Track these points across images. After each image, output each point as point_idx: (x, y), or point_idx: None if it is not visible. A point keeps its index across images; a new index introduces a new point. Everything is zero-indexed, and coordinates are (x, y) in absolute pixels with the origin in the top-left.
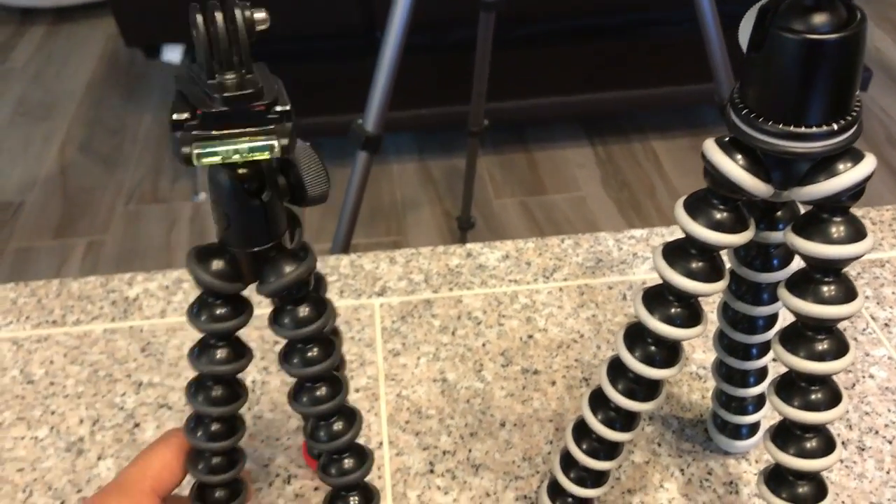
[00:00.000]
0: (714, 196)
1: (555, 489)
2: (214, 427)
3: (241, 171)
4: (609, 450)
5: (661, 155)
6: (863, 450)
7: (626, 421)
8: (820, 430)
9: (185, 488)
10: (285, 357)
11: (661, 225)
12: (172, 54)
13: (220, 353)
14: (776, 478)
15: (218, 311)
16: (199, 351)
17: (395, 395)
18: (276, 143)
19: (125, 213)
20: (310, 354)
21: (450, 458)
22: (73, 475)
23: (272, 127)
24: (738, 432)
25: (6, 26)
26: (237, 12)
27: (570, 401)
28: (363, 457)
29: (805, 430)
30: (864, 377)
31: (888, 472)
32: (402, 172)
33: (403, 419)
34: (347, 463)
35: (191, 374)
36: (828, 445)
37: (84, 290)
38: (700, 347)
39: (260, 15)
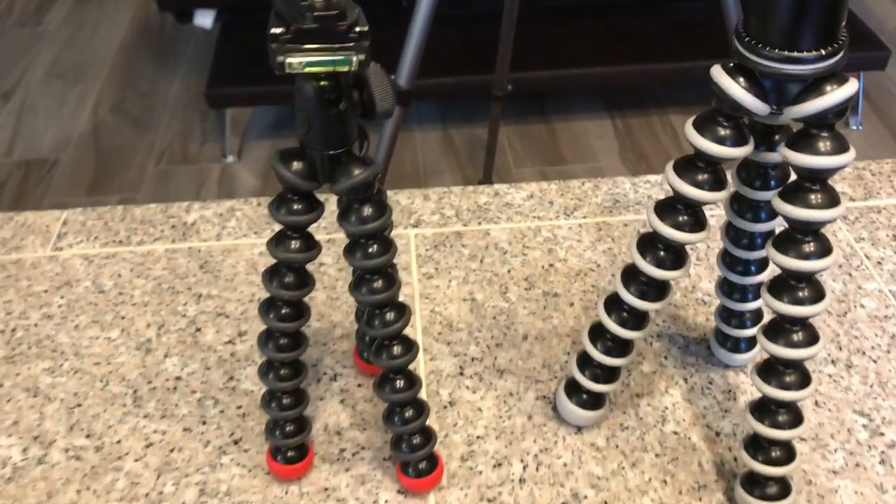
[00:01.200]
0: (719, 115)
1: (571, 387)
2: (285, 311)
3: (323, 82)
4: (621, 348)
5: (679, 129)
6: (850, 367)
7: (637, 321)
8: (805, 325)
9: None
10: (349, 251)
11: None
12: (204, 19)
13: (295, 244)
14: (767, 369)
15: (295, 206)
16: (277, 241)
17: (429, 311)
18: (354, 57)
19: (156, 173)
20: (371, 250)
21: (477, 364)
22: (143, 369)
23: (352, 44)
24: (737, 346)
25: None
26: None
27: (585, 320)
28: (409, 345)
29: (793, 324)
30: (855, 306)
31: (871, 387)
32: (424, 140)
33: (436, 331)
34: (396, 350)
35: (245, 289)
36: (812, 338)
37: (146, 216)
38: (706, 277)
39: None
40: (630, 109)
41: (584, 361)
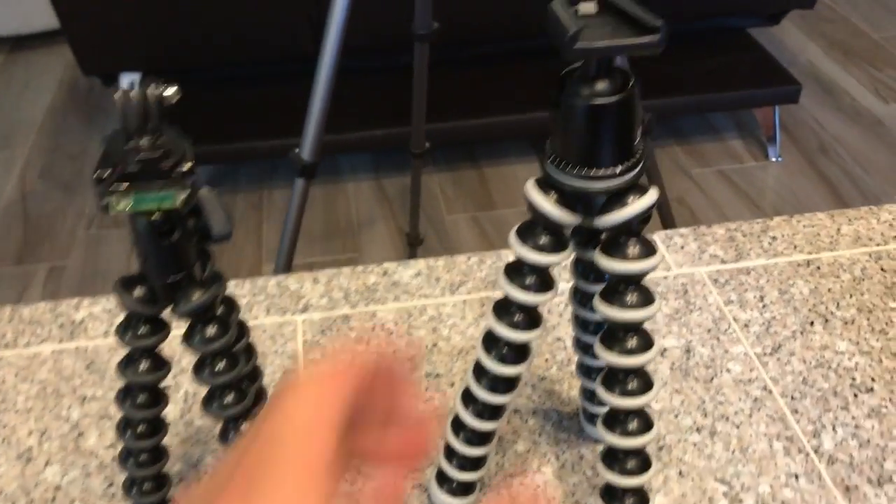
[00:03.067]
0: (538, 225)
1: (441, 477)
2: (140, 429)
3: (153, 216)
4: (482, 439)
5: None
6: (714, 434)
7: (492, 412)
8: (638, 413)
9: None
10: (197, 369)
11: None
12: (130, 82)
13: (144, 365)
14: (609, 455)
15: (140, 330)
16: (126, 364)
17: None
18: (179, 195)
19: (86, 238)
20: (218, 367)
21: None
22: (22, 480)
23: (176, 182)
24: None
25: None
26: (148, 90)
27: None
28: None
29: (626, 414)
30: (721, 371)
31: (733, 453)
32: (357, 191)
33: None
34: None
35: None
36: (646, 426)
37: (34, 315)
38: None
39: (169, 91)
40: None
41: (450, 452)
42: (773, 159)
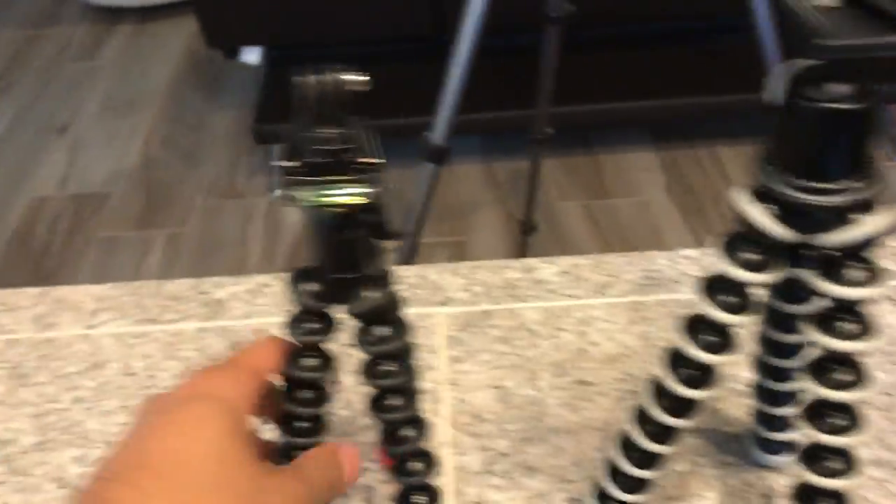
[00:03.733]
0: (747, 239)
1: (602, 496)
2: (301, 426)
3: (334, 211)
4: (651, 461)
5: (727, 162)
6: None
7: (666, 435)
8: (843, 454)
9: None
10: (367, 371)
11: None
12: (251, 56)
13: (310, 362)
14: (803, 493)
15: (310, 326)
16: (292, 358)
17: (457, 400)
18: (365, 191)
19: (204, 207)
20: (388, 369)
21: (506, 460)
22: None
23: (363, 176)
24: (774, 448)
25: (96, 25)
26: (334, 76)
27: (619, 412)
28: (430, 461)
29: (830, 452)
30: None
31: None
32: (467, 174)
33: (464, 422)
34: (417, 466)
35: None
36: (849, 466)
37: (178, 292)
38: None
39: (356, 78)
40: (677, 142)
41: (614, 471)
42: None
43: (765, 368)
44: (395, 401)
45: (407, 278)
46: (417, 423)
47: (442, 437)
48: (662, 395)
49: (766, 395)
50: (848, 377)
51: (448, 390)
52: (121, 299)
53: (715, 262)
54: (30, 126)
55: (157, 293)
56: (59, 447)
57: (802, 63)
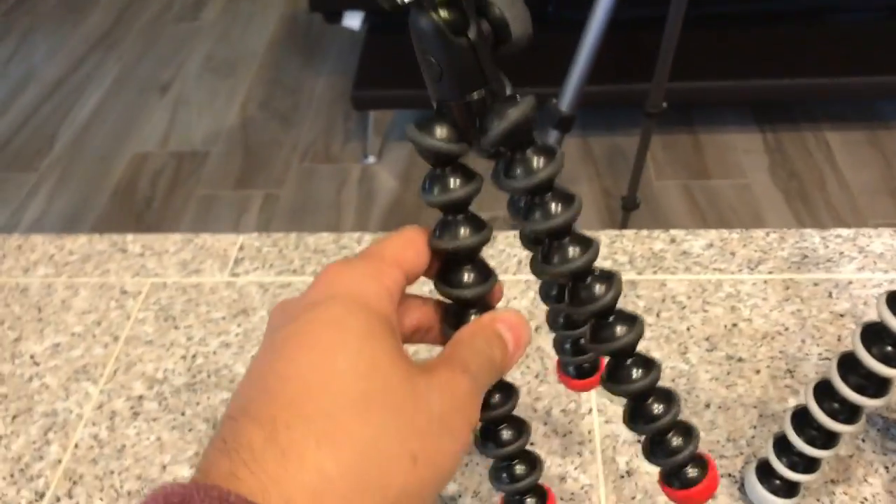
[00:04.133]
0: None
1: (764, 470)
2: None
3: (441, 12)
4: (827, 439)
5: (835, 146)
6: None
7: (850, 414)
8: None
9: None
10: (527, 214)
11: (828, 218)
12: (353, 21)
13: (463, 230)
14: None
15: (449, 180)
16: (441, 229)
17: None
18: None
19: (299, 170)
20: (550, 206)
21: None
22: None
23: None
24: None
25: None
26: None
27: (773, 390)
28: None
29: None
30: None
31: None
32: (562, 148)
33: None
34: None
35: None
36: None
37: (319, 244)
38: None
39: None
40: (781, 123)
41: (783, 447)
42: None
43: None
44: (571, 248)
45: None
46: (607, 278)
47: (589, 404)
48: (852, 371)
49: None
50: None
51: None
52: (262, 249)
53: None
54: (133, 84)
55: (299, 244)
56: (209, 389)
57: None
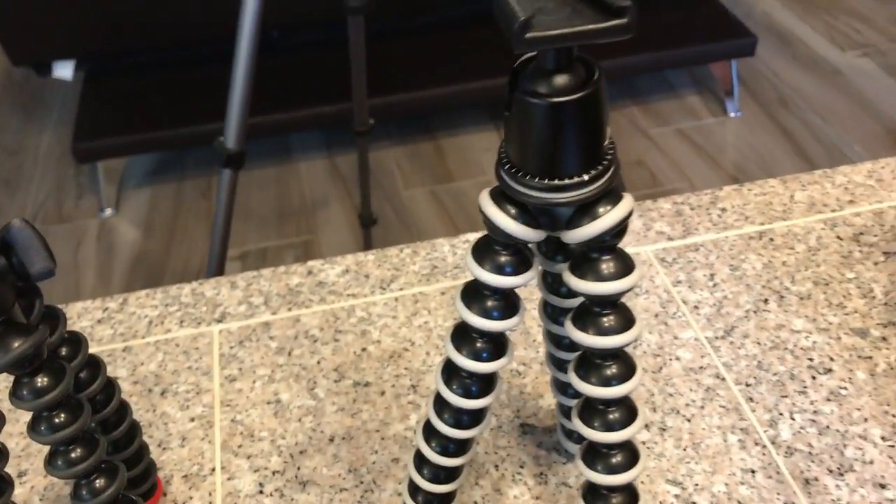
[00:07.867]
0: (495, 242)
1: (413, 488)
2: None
3: None
4: (458, 448)
5: None
6: (664, 430)
7: (470, 420)
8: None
9: None
10: (32, 427)
11: None
12: (63, 70)
13: None
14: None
15: None
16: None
17: (230, 421)
18: None
19: None
20: (57, 420)
21: (279, 478)
22: None
23: None
24: (576, 438)
25: None
26: None
27: (396, 409)
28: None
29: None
30: (670, 360)
31: (685, 450)
32: (310, 170)
33: (236, 444)
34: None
35: None
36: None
37: None
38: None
39: None
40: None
41: (421, 461)
42: (733, 114)
43: (554, 362)
44: (74, 453)
45: (180, 297)
46: (108, 471)
47: (212, 464)
48: (444, 407)
49: (561, 387)
50: (610, 371)
51: (221, 412)
52: None
53: (472, 268)
54: None
55: None
56: None
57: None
